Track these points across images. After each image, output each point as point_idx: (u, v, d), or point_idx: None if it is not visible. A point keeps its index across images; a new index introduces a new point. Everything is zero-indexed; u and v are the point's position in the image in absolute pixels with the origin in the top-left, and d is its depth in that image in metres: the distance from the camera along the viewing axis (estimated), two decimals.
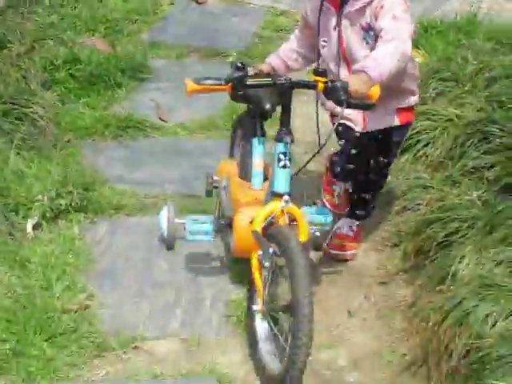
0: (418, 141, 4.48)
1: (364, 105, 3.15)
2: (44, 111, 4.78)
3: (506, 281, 3.08)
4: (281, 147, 3.20)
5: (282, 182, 3.22)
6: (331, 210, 3.97)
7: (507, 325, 2.88)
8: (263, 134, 3.55)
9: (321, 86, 3.10)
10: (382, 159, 3.90)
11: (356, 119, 3.67)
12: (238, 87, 3.28)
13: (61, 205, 4.02)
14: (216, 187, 3.78)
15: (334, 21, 3.52)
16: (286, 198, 3.18)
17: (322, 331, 3.40)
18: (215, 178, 3.77)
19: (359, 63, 3.24)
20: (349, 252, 4.01)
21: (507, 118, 4.23)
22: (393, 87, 3.55)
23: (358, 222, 4.06)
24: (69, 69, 5.34)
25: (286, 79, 3.24)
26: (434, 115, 4.57)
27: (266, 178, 3.51)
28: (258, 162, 3.52)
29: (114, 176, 4.51)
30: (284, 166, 3.22)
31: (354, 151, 3.79)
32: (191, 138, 4.91)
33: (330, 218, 3.67)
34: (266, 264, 3.03)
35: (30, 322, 3.28)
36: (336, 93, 3.02)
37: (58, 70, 5.33)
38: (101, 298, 3.60)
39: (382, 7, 3.35)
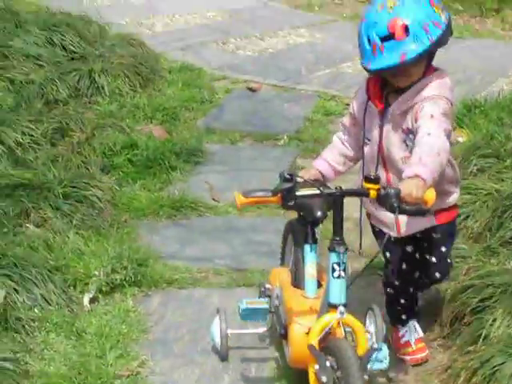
0: (459, 214, 4.55)
1: (418, 211, 3.08)
2: (102, 193, 5.05)
3: None
4: (334, 257, 3.09)
5: (337, 293, 3.10)
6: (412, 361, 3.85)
7: None
8: (315, 241, 3.50)
9: (373, 193, 3.06)
10: (428, 258, 3.79)
11: (389, 223, 3.59)
12: (288, 198, 3.23)
13: (116, 279, 4.22)
14: (269, 296, 3.67)
15: (377, 121, 3.55)
16: (341, 309, 3.07)
17: None
18: (267, 286, 3.68)
19: (409, 170, 3.17)
20: (424, 353, 3.89)
21: None
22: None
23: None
24: (127, 154, 5.64)
25: (336, 189, 3.18)
26: (474, 189, 4.69)
27: (320, 285, 3.45)
28: (310, 270, 3.46)
29: (168, 252, 4.70)
30: (339, 277, 3.10)
31: (391, 256, 3.81)
32: (242, 217, 5.06)
33: (386, 363, 3.45)
34: (324, 379, 2.95)
35: None
36: (389, 200, 2.98)
37: (117, 155, 5.64)
38: (152, 365, 3.74)
39: (421, 110, 3.38)
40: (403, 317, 3.89)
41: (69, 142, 5.70)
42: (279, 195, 3.25)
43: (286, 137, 6.22)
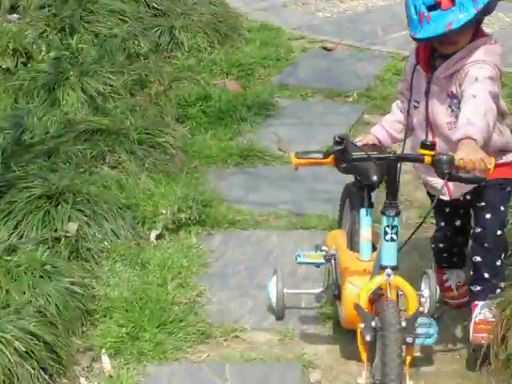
0: None
1: (471, 178, 3.13)
2: (174, 141, 5.35)
3: None
4: (385, 220, 3.13)
5: (387, 256, 3.15)
6: (454, 305, 3.95)
7: None
8: (370, 205, 3.55)
9: (428, 159, 3.07)
10: (480, 205, 3.71)
11: (440, 188, 3.51)
12: (341, 161, 3.30)
13: (181, 218, 4.50)
14: (326, 258, 3.74)
15: (424, 85, 3.57)
16: (388, 271, 3.11)
17: None
18: (324, 248, 3.77)
19: (458, 132, 3.18)
20: (466, 299, 3.93)
21: None
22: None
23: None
24: (200, 105, 5.92)
25: (391, 154, 3.24)
26: None
27: (375, 248, 3.49)
28: (365, 234, 3.52)
29: (232, 197, 4.97)
30: (390, 240, 3.14)
31: (443, 221, 3.86)
32: (305, 167, 5.22)
33: (433, 330, 3.48)
34: (368, 338, 3.02)
35: (144, 311, 3.74)
36: (441, 166, 3.00)
37: (191, 106, 5.93)
38: (209, 295, 4.02)
39: (466, 74, 3.37)
40: (447, 261, 3.98)
41: (147, 93, 5.98)
42: (332, 157, 3.29)
43: (355, 94, 6.37)
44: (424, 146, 3.09)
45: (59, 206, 4.35)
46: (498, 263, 3.67)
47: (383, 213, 3.12)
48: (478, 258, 3.65)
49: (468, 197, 3.66)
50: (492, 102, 3.27)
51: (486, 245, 3.63)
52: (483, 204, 3.65)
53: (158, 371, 3.53)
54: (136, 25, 7.11)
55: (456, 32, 3.32)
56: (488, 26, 7.65)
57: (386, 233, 3.10)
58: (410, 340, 2.96)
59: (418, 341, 3.25)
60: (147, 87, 6.04)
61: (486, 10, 3.35)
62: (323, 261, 3.71)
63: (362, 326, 3.03)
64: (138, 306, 3.82)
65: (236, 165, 5.39)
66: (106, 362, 3.60)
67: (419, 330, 3.26)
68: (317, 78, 6.84)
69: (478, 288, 3.71)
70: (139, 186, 4.84)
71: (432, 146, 3.08)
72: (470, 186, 3.52)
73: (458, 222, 3.88)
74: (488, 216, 3.63)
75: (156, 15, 7.50)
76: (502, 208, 3.69)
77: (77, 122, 5.47)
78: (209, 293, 4.08)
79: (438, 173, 3.02)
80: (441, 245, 3.95)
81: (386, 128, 3.72)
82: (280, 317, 3.85)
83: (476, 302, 3.68)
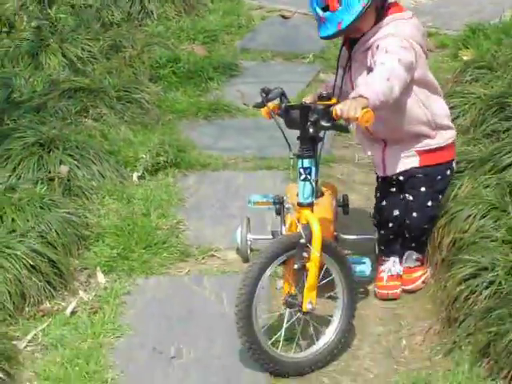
0: (451, 113, 5.00)
1: (336, 126, 3.28)
2: (149, 97, 5.78)
3: (487, 194, 3.85)
4: (299, 163, 3.35)
5: (302, 194, 3.35)
6: (378, 295, 3.93)
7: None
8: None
9: (336, 111, 3.15)
10: (407, 196, 3.82)
11: (377, 163, 3.85)
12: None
13: (159, 161, 4.99)
14: (275, 201, 3.88)
15: (345, 61, 3.72)
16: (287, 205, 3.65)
17: None
18: (284, 197, 3.85)
19: (354, 92, 3.31)
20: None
21: None
22: (406, 131, 3.68)
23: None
24: (171, 67, 6.36)
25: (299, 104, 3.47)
26: (466, 94, 5.24)
27: (322, 194, 3.69)
28: None
29: (203, 144, 5.44)
30: (304, 179, 3.34)
31: (379, 195, 3.97)
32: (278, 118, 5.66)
33: (367, 271, 3.74)
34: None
35: (132, 235, 4.24)
36: (312, 115, 3.21)
37: (162, 67, 6.36)
38: (187, 223, 4.52)
39: (377, 47, 3.46)
40: (383, 248, 4.00)
41: (121, 57, 6.39)
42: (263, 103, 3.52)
43: (311, 55, 6.87)
44: (321, 98, 3.36)
45: (51, 152, 4.74)
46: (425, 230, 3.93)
47: (297, 156, 3.35)
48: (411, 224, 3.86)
49: (401, 178, 3.77)
50: (401, 68, 3.32)
51: (412, 234, 3.88)
52: (411, 198, 3.79)
53: (145, 283, 4.00)
54: None
55: (347, 29, 3.40)
56: None
57: (299, 173, 3.34)
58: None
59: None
60: (121, 52, 6.44)
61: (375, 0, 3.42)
62: (272, 206, 3.91)
63: None
64: (126, 231, 4.29)
65: (205, 118, 5.84)
66: (100, 277, 4.04)
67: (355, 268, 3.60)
68: (276, 42, 7.30)
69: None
70: (120, 135, 5.29)
71: (327, 98, 3.34)
72: (403, 166, 3.70)
73: (392, 189, 3.93)
74: (414, 214, 3.81)
75: None
76: (430, 203, 3.82)
77: (60, 82, 5.81)
78: (187, 221, 4.55)
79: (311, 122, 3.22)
80: (376, 217, 4.04)
81: (326, 89, 3.71)
82: (246, 259, 4.02)
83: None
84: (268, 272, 3.27)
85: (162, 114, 5.79)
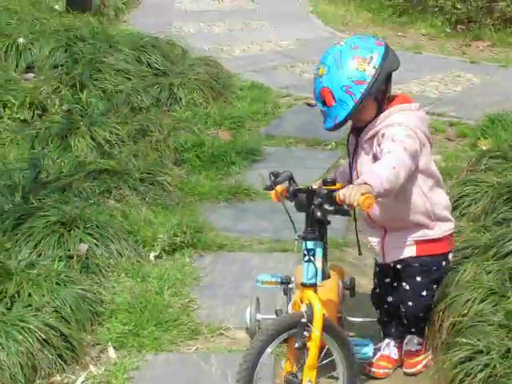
0: (464, 201, 5.24)
1: (337, 210, 3.36)
2: (172, 179, 5.97)
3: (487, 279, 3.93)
4: (303, 244, 3.45)
5: (305, 274, 3.44)
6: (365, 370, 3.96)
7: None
8: (321, 239, 3.61)
9: (339, 197, 3.25)
10: (403, 284, 3.89)
11: (377, 250, 3.91)
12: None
13: (177, 242, 5.13)
14: (282, 282, 3.99)
15: (353, 148, 3.84)
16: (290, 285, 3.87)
17: None
18: (292, 278, 3.95)
19: (359, 179, 3.38)
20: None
21: None
22: (406, 219, 3.74)
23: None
24: (195, 151, 6.59)
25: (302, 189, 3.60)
26: (479, 182, 5.35)
27: (328, 277, 3.77)
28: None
29: (221, 226, 5.58)
30: (308, 261, 3.44)
31: (377, 281, 4.10)
32: (286, 202, 5.80)
33: (369, 353, 3.85)
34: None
35: (144, 313, 4.35)
36: (316, 198, 3.36)
37: (187, 151, 6.59)
38: (199, 302, 4.62)
39: (383, 135, 3.55)
40: (382, 330, 4.14)
41: (148, 141, 6.61)
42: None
43: (333, 142, 7.03)
44: (325, 182, 3.51)
45: (72, 231, 4.90)
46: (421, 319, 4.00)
47: (301, 237, 3.46)
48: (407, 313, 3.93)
49: (398, 266, 3.86)
50: (407, 156, 3.43)
51: (409, 320, 3.95)
52: (407, 288, 3.86)
53: (154, 359, 4.09)
54: (139, 82, 7.77)
55: (342, 123, 3.58)
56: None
57: (304, 255, 3.45)
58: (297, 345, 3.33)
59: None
60: (148, 136, 6.67)
61: (369, 93, 3.50)
62: (279, 286, 4.02)
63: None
64: (138, 308, 4.41)
65: (225, 200, 6.00)
66: (111, 352, 4.13)
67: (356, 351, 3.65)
68: (300, 129, 7.49)
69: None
70: (140, 215, 5.42)
71: (331, 183, 3.48)
72: (401, 255, 3.78)
73: (387, 280, 4.03)
74: (410, 303, 3.86)
75: (157, 74, 8.18)
76: (425, 293, 3.87)
77: (87, 164, 6.04)
78: (199, 300, 4.65)
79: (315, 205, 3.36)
80: (373, 301, 4.16)
81: (337, 176, 3.97)
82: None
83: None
84: (269, 349, 3.36)
85: (183, 196, 5.96)
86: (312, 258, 3.44)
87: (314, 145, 7.22)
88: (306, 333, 3.34)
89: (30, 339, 3.85)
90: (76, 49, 8.40)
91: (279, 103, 8.24)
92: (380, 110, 3.61)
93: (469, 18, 11.35)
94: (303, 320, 3.32)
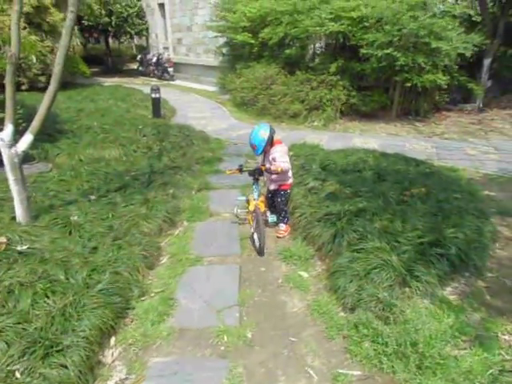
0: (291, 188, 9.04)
1: (261, 174, 7.84)
2: (194, 168, 12.71)
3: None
4: (254, 184, 8.02)
5: (255, 195, 7.96)
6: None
7: None
8: (257, 182, 8.09)
9: (263, 168, 7.73)
10: (275, 199, 8.40)
11: (269, 185, 8.50)
12: (242, 171, 7.89)
13: (200, 189, 11.30)
14: (247, 201, 8.40)
15: (263, 157, 8.24)
16: (241, 198, 8.69)
17: None
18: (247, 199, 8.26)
19: (273, 165, 7.51)
20: (283, 235, 8.47)
21: None
22: (282, 178, 8.08)
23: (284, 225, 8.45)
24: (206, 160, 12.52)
25: (255, 168, 7.87)
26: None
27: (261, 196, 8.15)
28: (253, 194, 8.08)
29: (215, 182, 11.75)
30: (254, 190, 8.04)
31: (269, 195, 8.46)
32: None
33: (275, 219, 8.41)
34: (255, 215, 7.82)
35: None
36: (257, 169, 7.94)
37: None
38: (212, 206, 10.04)
39: (273, 155, 7.77)
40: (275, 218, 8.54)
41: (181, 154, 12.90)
42: (238, 170, 7.91)
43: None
44: (263, 165, 7.97)
45: (167, 185, 10.29)
46: (284, 211, 8.50)
47: (253, 179, 8.22)
48: (277, 207, 8.39)
49: (273, 190, 8.40)
50: (284, 163, 7.66)
51: (277, 208, 8.49)
52: (278, 199, 8.49)
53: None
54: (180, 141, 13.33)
55: (262, 152, 7.90)
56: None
57: (253, 189, 8.28)
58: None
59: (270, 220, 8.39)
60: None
61: (266, 145, 7.84)
62: (247, 204, 8.54)
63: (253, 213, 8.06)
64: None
65: (215, 174, 11.94)
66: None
67: (269, 219, 8.43)
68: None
69: (281, 217, 8.55)
70: (186, 180, 11.11)
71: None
72: (275, 187, 8.35)
73: (270, 195, 8.64)
74: (278, 200, 8.51)
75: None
76: (280, 199, 8.38)
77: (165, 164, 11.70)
78: (211, 206, 9.62)
79: (256, 172, 8.02)
80: (268, 202, 8.58)
81: (257, 166, 8.23)
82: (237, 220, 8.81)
83: (280, 224, 8.62)
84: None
85: (199, 172, 12.00)
86: (255, 188, 7.91)
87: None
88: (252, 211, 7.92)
89: None
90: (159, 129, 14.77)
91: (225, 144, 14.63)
92: (271, 146, 7.96)
93: None
94: (253, 209, 7.94)
